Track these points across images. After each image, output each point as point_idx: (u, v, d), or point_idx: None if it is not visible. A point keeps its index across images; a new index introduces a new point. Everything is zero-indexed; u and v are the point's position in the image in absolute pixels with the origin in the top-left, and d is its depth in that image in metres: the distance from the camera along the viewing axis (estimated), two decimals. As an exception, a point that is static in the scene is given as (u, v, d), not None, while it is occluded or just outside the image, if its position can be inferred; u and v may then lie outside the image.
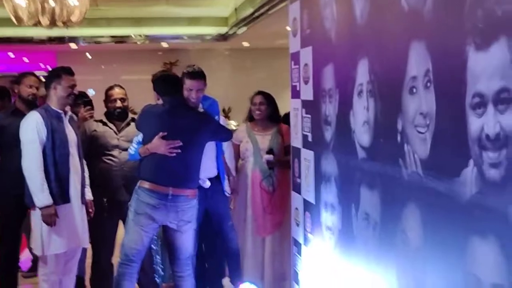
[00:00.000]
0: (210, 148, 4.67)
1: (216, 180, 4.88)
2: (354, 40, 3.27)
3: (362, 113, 3.10)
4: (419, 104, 2.50)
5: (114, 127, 5.04)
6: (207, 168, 4.74)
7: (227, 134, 4.77)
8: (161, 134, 4.27)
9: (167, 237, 4.45)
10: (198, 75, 4.58)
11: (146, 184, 4.26)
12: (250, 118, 5.50)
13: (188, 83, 4.55)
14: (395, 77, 2.70)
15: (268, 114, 5.40)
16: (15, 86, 5.23)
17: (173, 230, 4.35)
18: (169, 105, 4.38)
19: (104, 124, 5.06)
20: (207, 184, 4.76)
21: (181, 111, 4.41)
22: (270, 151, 5.22)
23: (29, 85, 5.10)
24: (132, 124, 4.98)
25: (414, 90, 2.54)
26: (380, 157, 2.94)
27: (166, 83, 4.50)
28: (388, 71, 2.82)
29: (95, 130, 5.03)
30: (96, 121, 5.11)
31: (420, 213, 2.56)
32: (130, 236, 4.32)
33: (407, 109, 2.60)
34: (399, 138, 2.69)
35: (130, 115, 5.19)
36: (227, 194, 5.12)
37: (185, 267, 4.46)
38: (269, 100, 5.45)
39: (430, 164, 2.46)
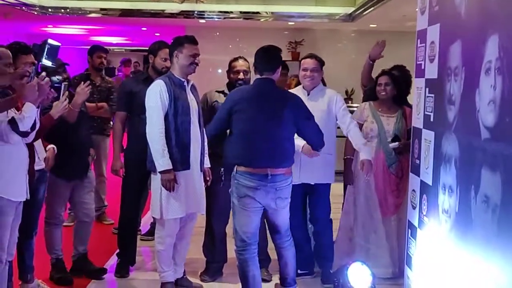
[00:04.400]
0: None
1: None
2: (484, 15, 3.13)
3: (488, 92, 2.97)
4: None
5: None
6: None
7: (318, 135, 4.52)
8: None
9: (265, 216, 4.49)
10: (313, 55, 5.15)
11: (244, 168, 4.30)
12: (374, 97, 5.40)
13: (303, 61, 5.12)
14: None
15: (393, 95, 5.31)
16: (150, 56, 5.28)
17: (272, 209, 4.39)
18: (258, 86, 4.45)
19: (226, 95, 5.10)
20: None
21: (271, 91, 4.43)
22: (395, 138, 5.16)
23: (164, 58, 5.14)
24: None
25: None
26: (505, 137, 2.80)
27: (262, 57, 4.49)
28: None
29: (216, 101, 5.09)
30: (218, 91, 5.17)
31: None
32: (240, 220, 4.38)
33: (538, 87, 2.46)
34: (526, 118, 2.55)
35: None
36: None
37: (285, 239, 4.54)
38: (394, 81, 5.34)
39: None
